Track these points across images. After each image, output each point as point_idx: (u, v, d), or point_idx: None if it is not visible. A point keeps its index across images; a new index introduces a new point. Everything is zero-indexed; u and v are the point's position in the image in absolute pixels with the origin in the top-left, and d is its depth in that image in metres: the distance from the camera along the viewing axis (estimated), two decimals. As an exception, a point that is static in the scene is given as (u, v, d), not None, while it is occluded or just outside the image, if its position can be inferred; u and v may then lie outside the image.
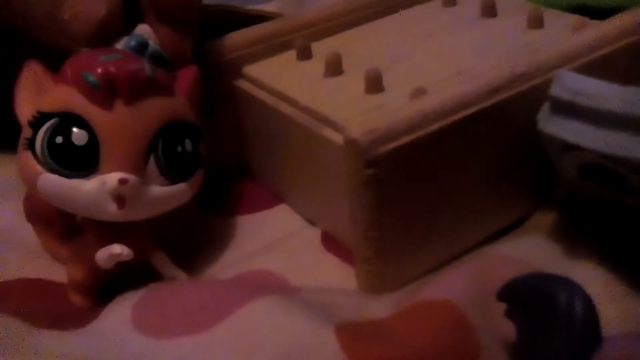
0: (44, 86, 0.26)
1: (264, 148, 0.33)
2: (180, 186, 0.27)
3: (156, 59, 0.27)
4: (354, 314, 0.24)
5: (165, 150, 0.26)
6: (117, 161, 0.25)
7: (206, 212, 0.33)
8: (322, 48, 0.33)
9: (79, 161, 0.25)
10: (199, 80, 0.29)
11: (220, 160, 0.35)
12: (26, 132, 0.26)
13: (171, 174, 0.27)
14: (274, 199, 0.34)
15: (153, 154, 0.26)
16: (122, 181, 0.25)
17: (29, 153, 0.26)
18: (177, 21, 0.30)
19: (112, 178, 0.25)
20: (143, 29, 0.28)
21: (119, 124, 0.25)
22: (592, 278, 0.26)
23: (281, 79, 0.32)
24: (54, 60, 0.27)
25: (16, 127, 0.27)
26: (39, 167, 0.25)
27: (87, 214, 0.26)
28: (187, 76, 0.29)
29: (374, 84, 0.29)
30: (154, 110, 0.26)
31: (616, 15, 0.32)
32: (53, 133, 0.25)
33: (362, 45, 0.34)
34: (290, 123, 0.30)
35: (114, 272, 0.27)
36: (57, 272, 0.29)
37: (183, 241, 0.31)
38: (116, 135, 0.25)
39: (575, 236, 0.28)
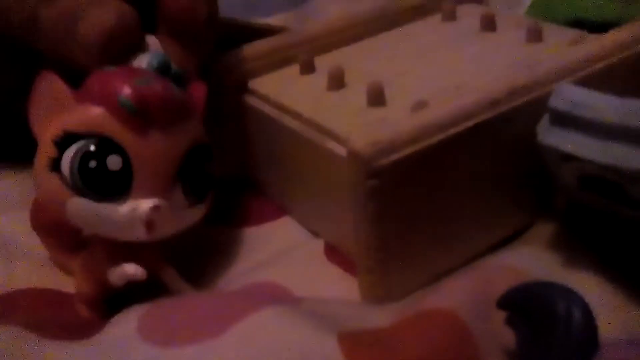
0: (63, 101, 0.26)
1: (269, 160, 0.34)
2: (199, 207, 0.28)
3: (176, 80, 0.27)
4: (356, 323, 0.24)
5: (192, 174, 0.27)
6: (149, 187, 0.26)
7: (211, 225, 0.33)
8: (325, 62, 0.34)
9: (112, 186, 0.25)
10: (205, 95, 0.29)
11: (225, 173, 0.36)
12: (50, 151, 0.25)
13: (195, 197, 0.27)
14: (278, 211, 0.34)
15: (180, 178, 0.26)
16: (155, 209, 0.25)
17: (54, 174, 0.25)
18: (185, 37, 0.30)
19: (145, 205, 0.25)
20: (152, 42, 0.29)
21: (153, 151, 0.26)
22: (591, 287, 0.26)
23: (285, 92, 0.32)
24: (69, 76, 0.27)
25: (21, 137, 0.27)
26: (67, 190, 0.25)
27: (115, 236, 0.26)
28: (198, 95, 0.29)
29: (376, 97, 0.30)
30: (182, 134, 0.26)
31: (613, 30, 0.32)
32: (85, 156, 0.25)
33: (364, 60, 0.35)
34: (293, 136, 0.30)
35: (121, 286, 0.27)
36: (64, 283, 0.29)
37: (188, 253, 0.31)
38: (150, 162, 0.26)
39: (575, 246, 0.28)
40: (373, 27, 0.38)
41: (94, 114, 0.25)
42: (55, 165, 0.25)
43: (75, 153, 0.25)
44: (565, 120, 0.25)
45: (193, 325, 0.24)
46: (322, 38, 0.36)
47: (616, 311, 0.26)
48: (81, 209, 0.25)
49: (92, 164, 0.25)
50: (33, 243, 0.31)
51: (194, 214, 0.28)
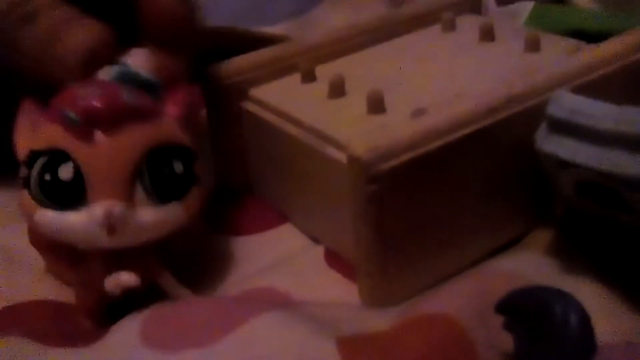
0: (37, 124, 0.27)
1: (270, 167, 0.34)
2: (173, 207, 0.27)
3: (142, 85, 0.28)
4: (354, 327, 0.25)
5: (152, 175, 0.27)
6: (103, 191, 0.26)
7: (213, 231, 0.34)
8: (325, 71, 0.34)
9: (67, 195, 0.26)
10: (196, 99, 0.30)
11: (226, 179, 0.36)
12: (23, 171, 0.27)
13: (161, 197, 0.27)
14: (279, 217, 0.34)
15: (139, 180, 0.26)
16: (108, 210, 0.26)
17: (25, 191, 0.27)
18: (169, 41, 0.31)
19: (98, 209, 0.26)
20: (134, 53, 0.29)
21: (100, 156, 0.26)
22: (588, 292, 0.26)
23: (286, 100, 0.33)
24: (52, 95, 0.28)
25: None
26: (34, 204, 0.27)
27: (83, 244, 0.27)
28: (178, 97, 0.29)
29: (376, 104, 0.30)
30: (135, 137, 0.27)
31: (610, 39, 0.33)
32: (42, 170, 0.26)
33: (364, 68, 0.35)
34: (295, 143, 0.31)
35: (119, 295, 0.27)
36: (65, 293, 0.30)
37: (190, 260, 0.31)
38: (99, 167, 0.26)
39: (573, 252, 0.29)
40: (374, 37, 0.38)
41: (50, 130, 0.27)
42: (26, 183, 0.27)
43: (37, 169, 0.27)
44: (562, 128, 0.26)
45: (193, 330, 0.24)
46: (323, 47, 0.37)
47: (613, 316, 0.26)
48: (46, 220, 0.27)
49: (47, 176, 0.26)
50: (34, 254, 0.31)
51: (170, 215, 0.27)
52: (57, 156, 0.26)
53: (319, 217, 0.32)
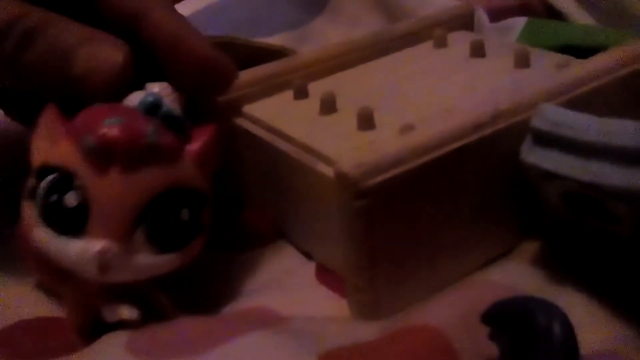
0: (55, 135, 0.26)
1: (262, 183, 0.34)
2: (170, 256, 0.26)
3: (171, 121, 0.27)
4: (340, 339, 0.25)
5: (156, 221, 0.26)
6: (104, 228, 0.25)
7: (206, 250, 0.34)
8: (318, 88, 0.35)
9: (67, 222, 0.25)
10: (216, 138, 0.28)
11: (220, 196, 0.36)
12: (31, 181, 0.26)
13: (160, 245, 0.26)
14: (273, 234, 0.35)
15: (142, 224, 0.25)
16: (102, 252, 0.25)
17: (30, 202, 0.26)
18: (191, 90, 0.29)
19: (93, 247, 0.25)
20: (158, 85, 0.28)
21: (110, 191, 0.25)
22: (576, 303, 0.27)
23: (279, 117, 0.33)
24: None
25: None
26: (35, 219, 0.26)
27: (75, 271, 0.26)
28: (201, 137, 0.28)
29: (366, 121, 0.31)
30: (150, 178, 0.26)
31: (598, 54, 0.33)
32: (49, 190, 0.25)
33: (355, 85, 0.36)
34: (286, 159, 0.31)
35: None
36: (54, 308, 0.30)
37: (182, 276, 0.31)
38: (105, 202, 0.25)
39: (560, 262, 0.29)
40: (366, 54, 0.39)
41: (65, 149, 0.26)
42: (32, 193, 0.26)
43: (45, 185, 0.26)
44: (546, 140, 0.26)
45: (179, 342, 0.25)
46: (316, 64, 0.37)
47: (601, 326, 0.26)
48: (42, 239, 0.26)
49: (53, 197, 0.25)
50: (19, 271, 0.31)
51: (166, 263, 0.26)
52: (67, 178, 0.25)
53: (311, 233, 0.32)
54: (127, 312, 0.26)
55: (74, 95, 0.27)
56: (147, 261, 0.26)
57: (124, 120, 0.25)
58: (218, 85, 0.30)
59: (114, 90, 0.27)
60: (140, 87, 0.28)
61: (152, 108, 0.27)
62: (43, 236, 0.26)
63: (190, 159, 0.27)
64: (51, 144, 0.26)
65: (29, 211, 0.26)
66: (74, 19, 0.28)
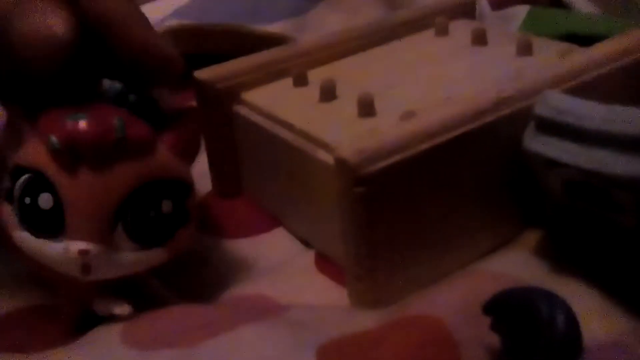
0: (23, 135, 0.25)
1: (261, 171, 0.34)
2: (156, 251, 0.26)
3: (142, 107, 0.26)
4: (339, 329, 0.25)
5: (135, 216, 0.25)
6: (81, 228, 0.24)
7: (204, 235, 0.34)
8: (318, 75, 0.34)
9: (44, 224, 0.25)
10: (195, 122, 0.28)
11: (218, 183, 0.36)
12: (6, 182, 0.25)
13: (143, 243, 0.25)
14: (271, 221, 0.34)
15: (121, 221, 0.25)
16: (82, 252, 0.24)
17: (7, 204, 0.25)
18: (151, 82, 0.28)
19: (73, 248, 0.24)
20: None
21: (82, 190, 0.24)
22: (579, 293, 0.26)
23: (278, 104, 0.33)
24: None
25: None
26: (13, 221, 0.25)
27: (60, 271, 0.25)
28: (179, 123, 0.27)
29: (366, 108, 0.30)
30: (122, 173, 0.24)
31: (601, 42, 0.33)
32: (23, 192, 0.25)
33: (356, 73, 0.35)
34: (286, 146, 0.31)
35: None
36: (48, 296, 0.29)
37: (179, 263, 0.31)
38: (78, 202, 0.24)
39: (563, 252, 0.29)
40: (367, 42, 0.38)
41: (34, 150, 0.25)
42: (8, 195, 0.25)
43: (19, 187, 0.25)
44: (549, 127, 0.26)
45: (174, 334, 0.24)
46: (316, 52, 0.37)
47: (603, 315, 0.26)
48: (23, 241, 0.25)
49: (27, 200, 0.25)
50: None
51: (151, 258, 0.26)
52: (40, 180, 0.24)
53: (311, 221, 0.32)
54: (118, 309, 0.26)
55: (17, 67, 0.25)
56: (131, 258, 0.25)
57: (87, 115, 0.24)
58: (161, 75, 0.28)
59: (57, 56, 0.24)
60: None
61: (120, 95, 0.26)
62: (22, 238, 0.25)
63: (167, 148, 0.26)
64: (20, 145, 0.25)
65: (7, 213, 0.25)
66: None
